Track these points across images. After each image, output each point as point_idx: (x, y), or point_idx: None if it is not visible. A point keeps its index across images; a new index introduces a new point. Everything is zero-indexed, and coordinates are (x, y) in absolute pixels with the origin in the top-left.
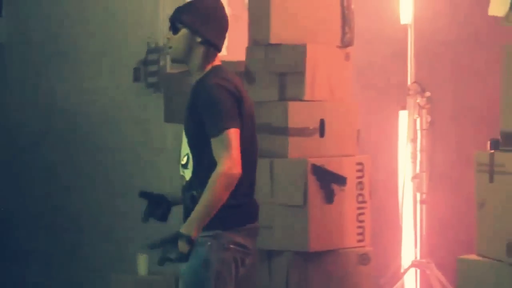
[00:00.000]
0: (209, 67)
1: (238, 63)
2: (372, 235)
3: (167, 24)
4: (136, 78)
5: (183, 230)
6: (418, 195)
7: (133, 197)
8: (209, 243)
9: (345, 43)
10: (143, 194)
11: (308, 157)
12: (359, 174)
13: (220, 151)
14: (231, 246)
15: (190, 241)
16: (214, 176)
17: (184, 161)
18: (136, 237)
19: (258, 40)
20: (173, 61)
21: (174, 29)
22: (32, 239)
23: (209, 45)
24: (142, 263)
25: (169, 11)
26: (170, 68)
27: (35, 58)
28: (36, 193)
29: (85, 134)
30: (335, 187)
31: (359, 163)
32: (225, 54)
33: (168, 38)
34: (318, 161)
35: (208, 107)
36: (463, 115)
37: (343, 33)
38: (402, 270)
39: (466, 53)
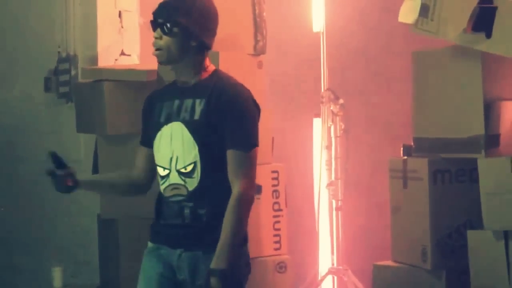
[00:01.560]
0: (209, 70)
1: (150, 71)
2: (289, 243)
3: (77, 32)
4: (47, 88)
5: (214, 265)
6: (334, 202)
7: (46, 208)
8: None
9: (258, 51)
10: (55, 157)
11: None
12: (274, 182)
13: (244, 169)
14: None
15: (223, 275)
16: (238, 200)
17: (188, 169)
18: (49, 249)
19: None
20: (161, 63)
21: (167, 30)
22: None
23: (204, 45)
24: (57, 276)
25: (80, 19)
26: (81, 77)
27: None
28: None
29: None
30: None
31: (274, 171)
32: (137, 62)
33: (156, 38)
34: None
35: (242, 118)
36: (376, 122)
37: (256, 41)
38: (319, 278)
39: (378, 60)
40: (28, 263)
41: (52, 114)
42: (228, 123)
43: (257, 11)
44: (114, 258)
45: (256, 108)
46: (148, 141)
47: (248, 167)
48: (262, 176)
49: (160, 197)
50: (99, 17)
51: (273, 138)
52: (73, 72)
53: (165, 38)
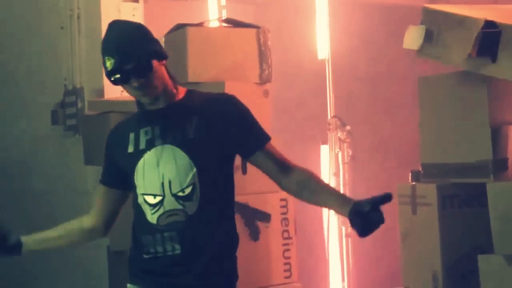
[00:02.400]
0: (180, 89)
1: None
2: (299, 270)
3: (83, 65)
4: (54, 121)
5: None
6: (344, 228)
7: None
8: None
9: (263, 80)
10: None
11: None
12: (283, 210)
13: (283, 156)
14: None
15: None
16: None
17: (187, 192)
18: (60, 281)
19: (177, 79)
20: (156, 100)
21: (145, 69)
22: None
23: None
24: None
25: (85, 52)
26: (88, 110)
27: None
28: None
29: (5, 179)
30: (260, 224)
31: (283, 199)
32: None
33: (135, 86)
34: (242, 199)
35: (248, 118)
36: (383, 148)
37: (261, 70)
38: None
39: (383, 86)
40: None
41: (60, 146)
42: (238, 128)
43: (262, 40)
44: None
45: None
46: (110, 179)
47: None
48: (271, 204)
49: (150, 229)
50: None
51: None
52: (79, 105)
53: (148, 76)
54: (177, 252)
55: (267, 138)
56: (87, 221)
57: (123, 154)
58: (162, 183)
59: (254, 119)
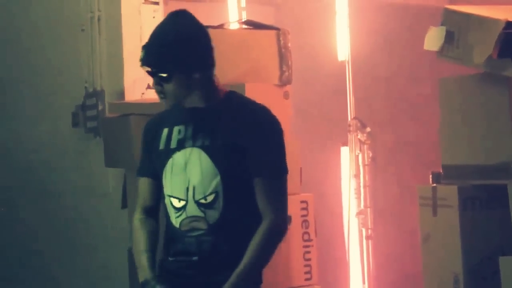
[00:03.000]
0: (222, 90)
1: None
2: (320, 272)
3: (104, 67)
4: (75, 123)
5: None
6: (364, 230)
7: (77, 242)
8: None
9: (284, 82)
10: None
11: None
12: (304, 212)
13: (276, 198)
14: None
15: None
16: (270, 231)
17: (209, 200)
18: (80, 282)
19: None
20: (171, 107)
21: (163, 79)
22: None
23: (209, 72)
24: None
25: (106, 54)
26: (108, 112)
27: None
28: None
29: (26, 181)
30: None
31: (303, 201)
32: None
33: (157, 85)
34: None
35: (271, 142)
36: (403, 149)
37: (281, 72)
38: None
39: (404, 88)
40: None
41: (80, 149)
42: (256, 146)
43: (282, 42)
44: None
45: (282, 132)
46: (149, 170)
47: (281, 196)
48: (291, 206)
49: (173, 232)
50: (125, 52)
51: (301, 169)
52: (100, 107)
53: (166, 85)
54: (195, 259)
55: (276, 173)
56: (151, 223)
57: (155, 149)
58: (187, 188)
59: (278, 146)
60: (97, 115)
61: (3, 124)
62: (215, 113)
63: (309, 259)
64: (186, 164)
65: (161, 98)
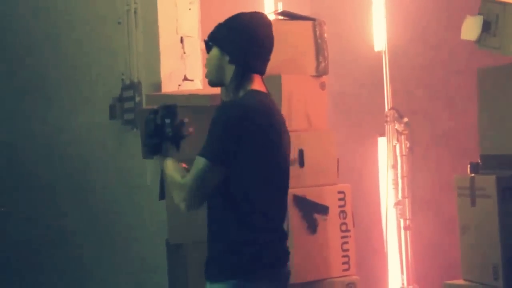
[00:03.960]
0: (243, 91)
1: (213, 96)
2: (358, 263)
3: (140, 59)
4: (112, 116)
5: None
6: (402, 221)
7: (116, 234)
8: None
9: (320, 72)
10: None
11: (289, 188)
12: (341, 203)
13: (191, 171)
14: None
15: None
16: (180, 185)
17: None
18: (120, 274)
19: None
20: (209, 84)
21: (207, 47)
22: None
23: (240, 65)
24: None
25: (142, 46)
26: (145, 104)
27: (10, 98)
28: (16, 236)
29: (64, 174)
30: (317, 217)
31: (341, 192)
32: (200, 87)
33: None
34: (299, 192)
35: (209, 130)
36: (441, 139)
37: (318, 62)
38: None
39: (441, 78)
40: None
41: (118, 141)
42: None
43: (318, 33)
44: (183, 283)
45: (227, 121)
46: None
47: (195, 170)
48: (329, 197)
49: None
50: (161, 44)
51: (338, 159)
52: (137, 99)
53: (207, 57)
54: None
55: (201, 152)
56: None
57: None
58: None
59: (211, 133)
60: (134, 107)
61: (42, 117)
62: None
63: (347, 250)
64: None
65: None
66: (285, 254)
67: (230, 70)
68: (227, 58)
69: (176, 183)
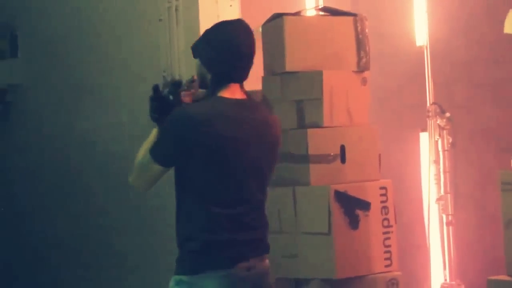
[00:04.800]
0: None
1: (254, 92)
2: (400, 259)
3: (181, 56)
4: None
5: None
6: (444, 216)
7: (156, 230)
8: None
9: (361, 68)
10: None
11: (331, 184)
12: (383, 198)
13: (139, 159)
14: None
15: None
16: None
17: None
18: (162, 271)
19: (274, 69)
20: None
21: (194, 54)
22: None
23: (214, 74)
24: None
25: (184, 43)
26: None
27: (52, 97)
28: (58, 229)
29: (106, 170)
30: (359, 212)
31: (382, 188)
32: None
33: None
34: (341, 187)
35: None
36: (484, 134)
37: (359, 58)
38: None
39: (483, 72)
40: (140, 284)
41: None
42: None
43: (359, 28)
44: None
45: (176, 120)
46: None
47: (141, 159)
48: (370, 193)
49: None
50: None
51: (380, 155)
52: None
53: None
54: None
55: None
56: None
57: None
58: None
59: (159, 132)
60: None
61: (84, 114)
62: None
63: (389, 246)
64: None
65: None
66: (239, 254)
67: (208, 77)
68: (205, 68)
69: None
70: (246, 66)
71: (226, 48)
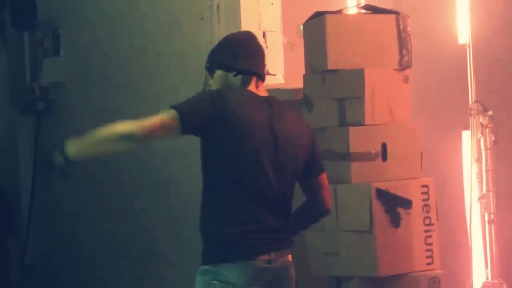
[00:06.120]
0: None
1: (296, 90)
2: (441, 257)
3: None
4: None
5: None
6: (486, 215)
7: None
8: (199, 277)
9: (403, 66)
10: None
11: (372, 182)
12: (425, 196)
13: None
14: (215, 282)
15: (62, 152)
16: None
17: None
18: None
19: (315, 67)
20: None
21: (210, 72)
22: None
23: (244, 75)
24: None
25: None
26: None
27: (94, 95)
28: (100, 228)
29: (147, 168)
30: (401, 210)
31: (424, 186)
32: (282, 82)
33: (209, 84)
34: (382, 185)
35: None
36: None
37: (401, 56)
38: None
39: None
40: (173, 275)
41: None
42: None
43: (401, 26)
44: None
45: (204, 94)
46: None
47: (152, 116)
48: (412, 190)
49: None
50: None
51: (421, 153)
52: None
53: (212, 80)
54: None
55: (172, 105)
56: None
57: None
58: None
59: (190, 98)
60: None
61: (124, 113)
62: None
63: (430, 244)
64: None
65: None
66: (260, 247)
67: (235, 81)
68: (229, 73)
69: (119, 125)
70: (262, 61)
71: (238, 44)
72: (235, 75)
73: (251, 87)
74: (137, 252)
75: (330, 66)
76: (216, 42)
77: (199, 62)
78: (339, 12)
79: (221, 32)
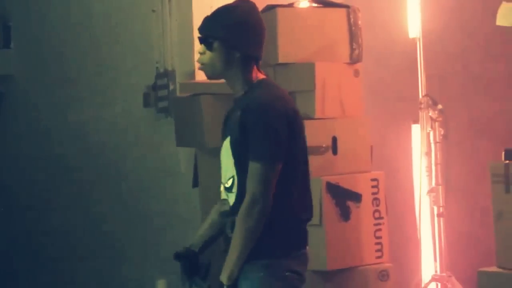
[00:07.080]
0: (254, 81)
1: None
2: (391, 251)
3: (174, 47)
4: (146, 104)
5: (221, 278)
6: (435, 208)
7: (149, 221)
8: (261, 273)
9: (354, 60)
10: (177, 257)
11: (322, 175)
12: (374, 190)
13: (256, 180)
14: (287, 274)
15: None
16: (242, 212)
17: (229, 184)
18: (153, 261)
19: (267, 60)
20: (209, 78)
21: (207, 44)
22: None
23: (249, 58)
24: None
25: (177, 34)
26: (179, 92)
27: (45, 88)
28: (52, 221)
29: (99, 162)
30: (350, 204)
31: (374, 179)
32: None
33: (201, 54)
34: (333, 179)
35: (258, 130)
36: (476, 127)
37: (351, 50)
38: (422, 285)
39: (476, 64)
40: (133, 274)
41: (152, 129)
42: (250, 135)
43: (352, 20)
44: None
45: (276, 113)
46: None
47: (261, 179)
48: (362, 184)
49: None
50: (195, 32)
51: (371, 147)
52: (171, 87)
53: (208, 53)
54: (224, 237)
55: (258, 157)
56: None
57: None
58: (221, 173)
59: (263, 132)
60: (168, 95)
61: (77, 106)
62: (240, 103)
63: (380, 237)
64: (223, 151)
65: (200, 65)
66: (307, 235)
67: (237, 64)
68: (235, 52)
69: (247, 216)
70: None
71: (259, 28)
72: (238, 57)
73: (258, 73)
74: (92, 245)
75: (281, 59)
76: (168, 35)
77: (150, 55)
78: (290, 5)
79: (172, 25)
